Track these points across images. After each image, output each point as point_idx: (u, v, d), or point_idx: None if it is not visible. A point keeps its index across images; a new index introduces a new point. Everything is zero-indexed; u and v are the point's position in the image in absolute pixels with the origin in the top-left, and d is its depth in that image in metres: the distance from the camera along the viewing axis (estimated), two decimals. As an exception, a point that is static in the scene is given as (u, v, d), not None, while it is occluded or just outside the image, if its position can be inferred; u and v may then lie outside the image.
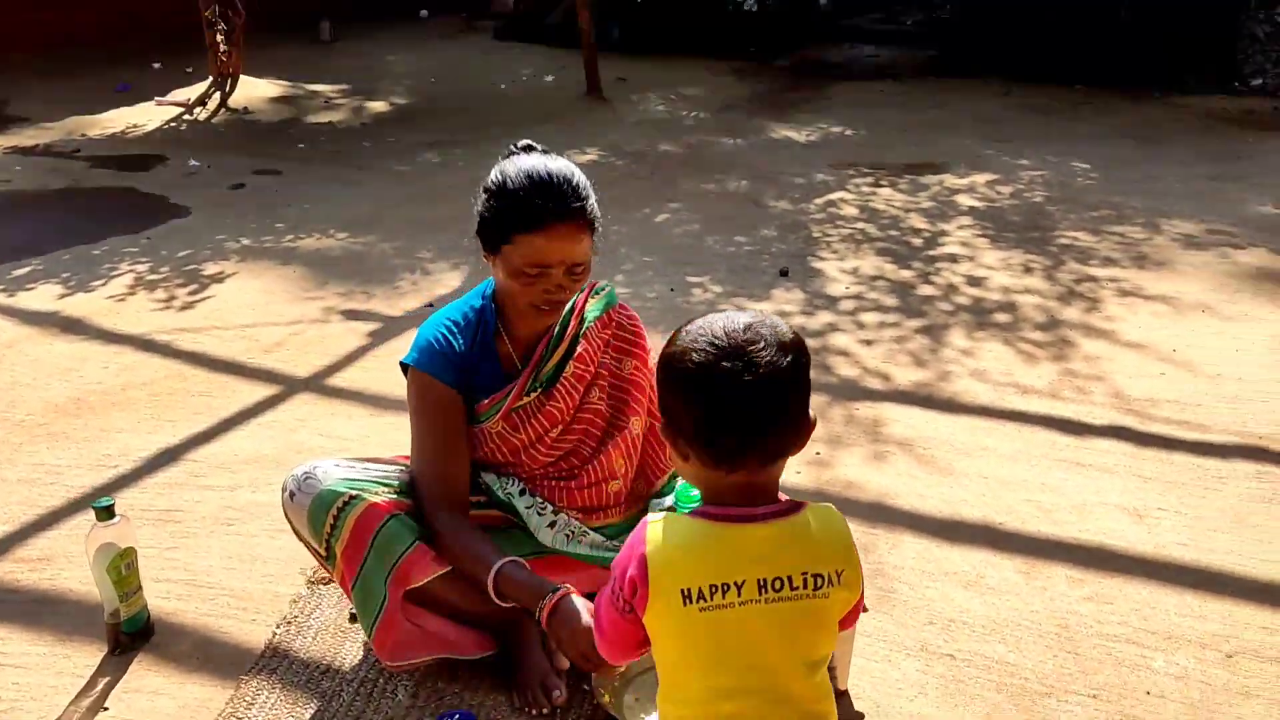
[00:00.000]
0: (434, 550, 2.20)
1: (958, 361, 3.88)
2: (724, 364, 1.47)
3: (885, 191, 6.12)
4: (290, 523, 2.29)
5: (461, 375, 2.27)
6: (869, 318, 4.32)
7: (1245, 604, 2.54)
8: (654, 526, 1.53)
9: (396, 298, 4.59)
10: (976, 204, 5.85)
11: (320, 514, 2.20)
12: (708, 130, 7.69)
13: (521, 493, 2.35)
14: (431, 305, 4.48)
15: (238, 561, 2.75)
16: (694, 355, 1.49)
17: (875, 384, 3.72)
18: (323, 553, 2.22)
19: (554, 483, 2.38)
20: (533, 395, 2.32)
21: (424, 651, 2.27)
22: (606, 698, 2.18)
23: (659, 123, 7.97)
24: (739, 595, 1.48)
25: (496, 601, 2.15)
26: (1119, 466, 3.17)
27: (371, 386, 3.73)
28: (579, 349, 2.35)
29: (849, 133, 7.61)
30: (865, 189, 6.17)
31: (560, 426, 2.36)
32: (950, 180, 6.32)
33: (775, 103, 8.63)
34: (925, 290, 4.61)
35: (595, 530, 2.37)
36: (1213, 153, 6.96)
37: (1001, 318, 4.30)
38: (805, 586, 1.49)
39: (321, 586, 2.63)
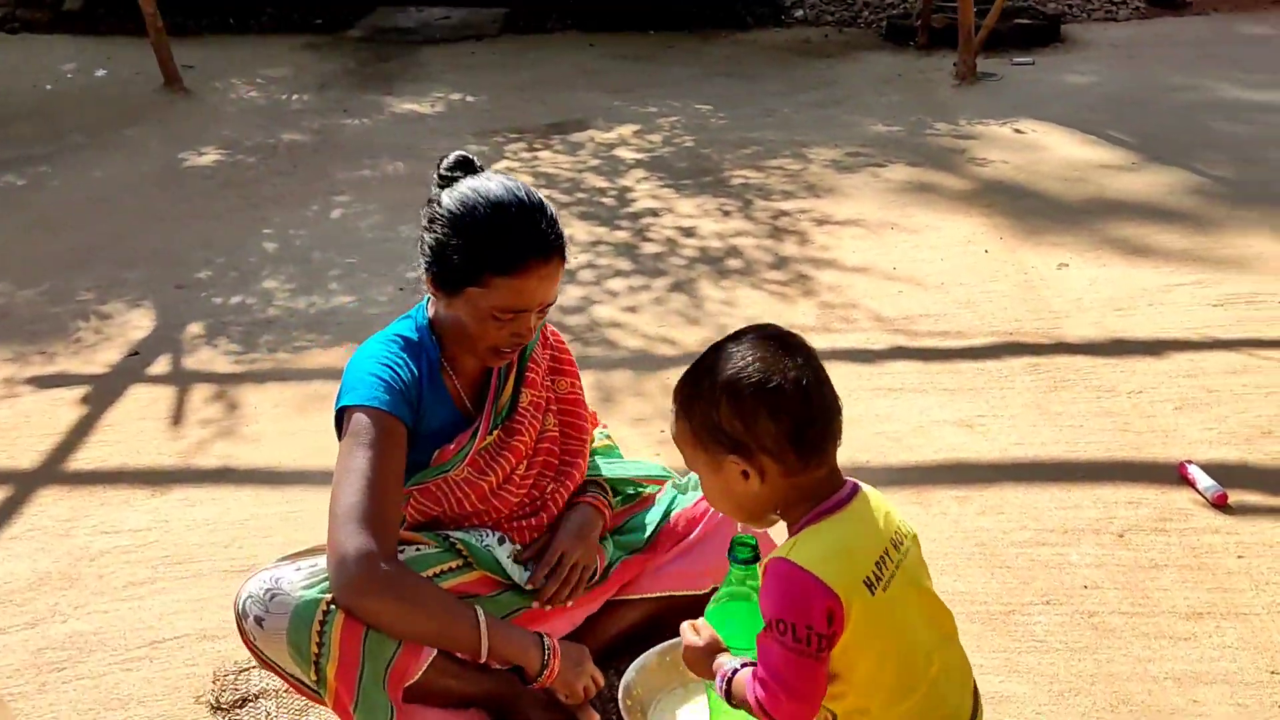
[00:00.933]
0: (388, 606, 1.87)
1: (725, 313, 3.98)
2: (786, 362, 1.50)
3: (545, 154, 6.08)
4: (260, 655, 1.90)
5: (414, 414, 2.00)
6: (616, 284, 4.31)
7: (1101, 485, 2.87)
8: (797, 554, 1.47)
9: (86, 352, 3.89)
10: (639, 156, 5.98)
11: (303, 634, 1.85)
12: (322, 113, 7.19)
13: (500, 542, 2.12)
14: (137, 353, 3.85)
15: (103, 709, 2.25)
16: (755, 368, 1.50)
17: (666, 350, 3.73)
18: (312, 679, 1.87)
19: (524, 522, 2.17)
20: (495, 433, 2.10)
21: (430, 752, 2.00)
22: None
23: (264, 110, 7.32)
24: (893, 561, 1.51)
25: (482, 660, 1.96)
26: (924, 384, 3.43)
27: (133, 460, 3.16)
28: (527, 375, 2.16)
29: (470, 99, 7.45)
30: (524, 154, 6.10)
31: (525, 461, 2.15)
32: (599, 135, 6.41)
33: (374, 75, 8.23)
34: (649, 248, 4.66)
35: None
36: (803, 81, 7.60)
37: (735, 263, 4.46)
38: (906, 536, 1.57)
39: (238, 711, 2.21)
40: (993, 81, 7.18)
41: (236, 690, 2.25)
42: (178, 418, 3.41)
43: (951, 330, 3.78)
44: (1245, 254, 4.33)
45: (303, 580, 1.89)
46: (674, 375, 3.45)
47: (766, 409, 1.49)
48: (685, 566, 2.31)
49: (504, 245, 1.88)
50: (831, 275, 4.30)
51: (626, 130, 6.50)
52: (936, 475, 2.95)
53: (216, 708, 2.23)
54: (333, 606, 1.86)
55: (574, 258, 4.56)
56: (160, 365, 3.78)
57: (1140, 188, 5.15)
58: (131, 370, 3.74)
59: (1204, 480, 2.79)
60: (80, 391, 3.59)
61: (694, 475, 2.44)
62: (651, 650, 2.24)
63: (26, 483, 3.08)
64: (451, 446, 2.06)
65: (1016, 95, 6.82)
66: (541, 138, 6.41)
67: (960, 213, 4.91)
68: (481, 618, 1.95)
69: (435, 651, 1.98)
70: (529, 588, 2.13)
